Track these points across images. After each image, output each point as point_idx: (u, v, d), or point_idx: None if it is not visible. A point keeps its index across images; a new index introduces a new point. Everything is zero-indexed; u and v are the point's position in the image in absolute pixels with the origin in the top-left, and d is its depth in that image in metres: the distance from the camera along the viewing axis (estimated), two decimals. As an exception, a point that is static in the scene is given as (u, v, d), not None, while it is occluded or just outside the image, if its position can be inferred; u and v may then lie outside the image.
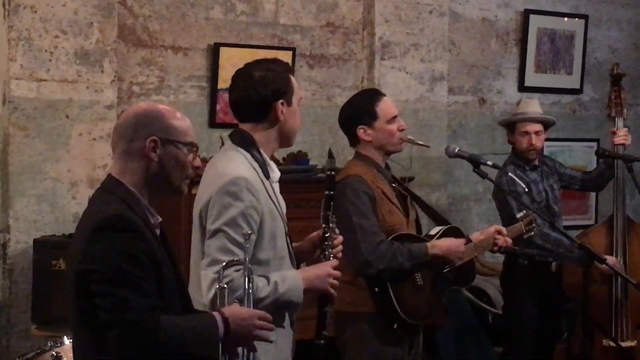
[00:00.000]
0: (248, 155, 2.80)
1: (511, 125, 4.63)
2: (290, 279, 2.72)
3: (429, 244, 3.57)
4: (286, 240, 2.83)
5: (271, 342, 2.48)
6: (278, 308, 2.69)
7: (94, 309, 2.18)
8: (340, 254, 2.89)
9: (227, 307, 2.37)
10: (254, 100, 2.81)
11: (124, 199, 2.28)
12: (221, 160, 2.84)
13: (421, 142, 3.83)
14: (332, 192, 2.85)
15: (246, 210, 2.65)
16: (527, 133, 4.55)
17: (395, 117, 3.63)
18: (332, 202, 2.85)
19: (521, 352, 4.54)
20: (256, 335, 2.36)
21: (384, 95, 3.69)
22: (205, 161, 4.48)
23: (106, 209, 2.24)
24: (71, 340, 2.77)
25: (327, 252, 2.84)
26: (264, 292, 2.62)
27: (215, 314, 2.31)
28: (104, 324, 2.17)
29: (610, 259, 4.33)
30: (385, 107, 3.62)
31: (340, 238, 2.89)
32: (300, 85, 3.27)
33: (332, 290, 2.80)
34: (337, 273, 2.81)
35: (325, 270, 2.79)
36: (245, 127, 2.85)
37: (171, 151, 2.33)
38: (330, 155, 2.87)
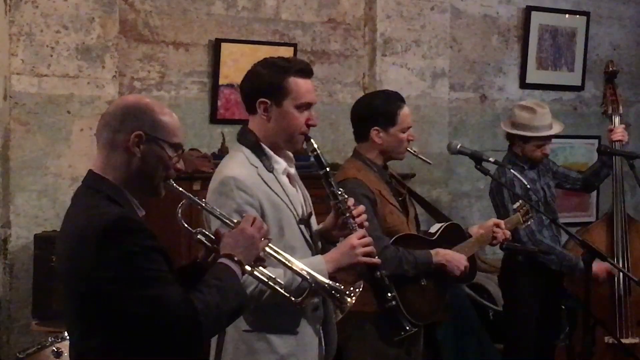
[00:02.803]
0: (248, 151, 2.85)
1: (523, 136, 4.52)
2: (311, 265, 2.72)
3: (433, 252, 3.57)
4: (299, 229, 2.85)
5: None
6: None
7: (111, 314, 2.13)
8: (366, 222, 2.89)
9: (224, 242, 2.33)
10: (244, 93, 2.93)
11: (110, 196, 2.24)
12: (223, 162, 2.93)
13: (424, 158, 3.81)
14: (326, 169, 2.88)
15: (239, 207, 2.69)
16: (542, 145, 4.51)
17: (409, 127, 3.64)
18: (330, 179, 2.88)
19: (521, 350, 4.53)
20: (258, 243, 2.35)
21: (405, 102, 3.68)
22: (205, 157, 4.51)
23: (104, 212, 2.18)
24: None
25: (350, 226, 2.85)
26: (282, 282, 2.59)
27: (224, 260, 2.28)
28: (141, 328, 2.12)
29: (600, 267, 4.31)
30: (405, 115, 3.62)
31: (361, 207, 2.90)
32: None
33: (364, 259, 2.81)
34: (365, 240, 2.81)
35: (348, 244, 2.80)
36: (249, 119, 2.92)
37: (154, 149, 2.27)
38: (307, 138, 2.88)
